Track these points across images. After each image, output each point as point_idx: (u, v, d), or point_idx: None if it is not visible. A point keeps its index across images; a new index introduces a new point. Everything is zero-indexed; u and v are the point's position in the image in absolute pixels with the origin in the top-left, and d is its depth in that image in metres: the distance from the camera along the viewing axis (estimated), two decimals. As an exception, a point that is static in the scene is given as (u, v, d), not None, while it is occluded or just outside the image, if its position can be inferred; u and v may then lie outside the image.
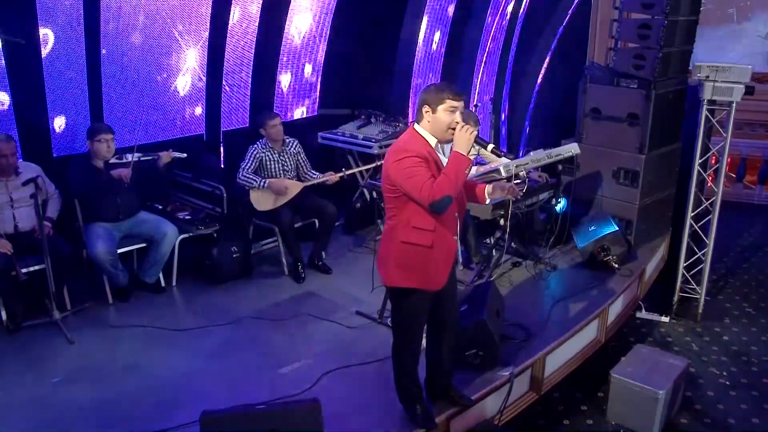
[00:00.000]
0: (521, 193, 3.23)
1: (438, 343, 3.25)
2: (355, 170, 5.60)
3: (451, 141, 2.86)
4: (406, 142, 2.87)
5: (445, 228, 2.92)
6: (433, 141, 2.88)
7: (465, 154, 2.80)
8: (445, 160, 2.91)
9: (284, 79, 6.02)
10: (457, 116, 2.83)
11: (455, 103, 2.82)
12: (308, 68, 6.19)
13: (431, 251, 2.90)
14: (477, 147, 2.88)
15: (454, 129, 2.83)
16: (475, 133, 2.81)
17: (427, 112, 2.85)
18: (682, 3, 5.00)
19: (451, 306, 3.21)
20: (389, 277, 2.99)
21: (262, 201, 4.94)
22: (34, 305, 4.17)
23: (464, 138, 2.79)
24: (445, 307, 3.16)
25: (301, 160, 5.23)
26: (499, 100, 8.31)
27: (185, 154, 4.70)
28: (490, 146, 3.02)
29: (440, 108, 2.82)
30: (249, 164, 4.96)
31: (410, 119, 6.90)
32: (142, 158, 4.49)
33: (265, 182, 4.90)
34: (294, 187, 5.03)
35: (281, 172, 5.09)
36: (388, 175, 2.87)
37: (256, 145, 5.04)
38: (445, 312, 3.17)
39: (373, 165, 5.44)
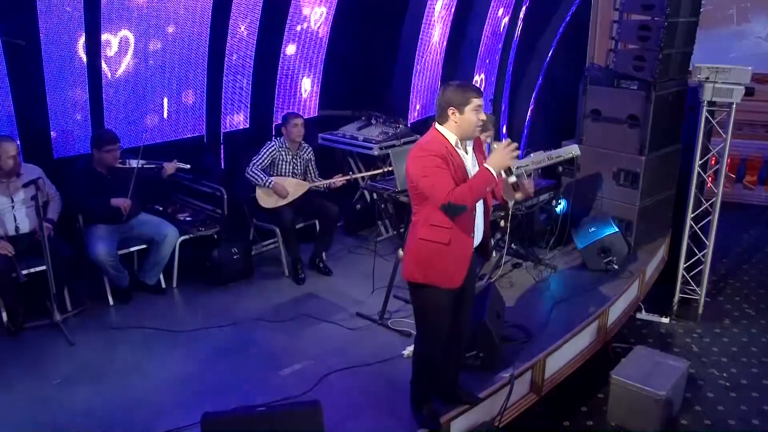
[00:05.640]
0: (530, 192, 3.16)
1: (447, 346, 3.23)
2: (361, 175, 5.61)
3: (474, 137, 2.93)
4: (427, 141, 2.89)
5: (462, 226, 2.90)
6: (453, 139, 2.89)
7: (495, 172, 2.78)
8: (465, 156, 2.92)
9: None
10: (482, 114, 2.87)
11: (480, 102, 2.85)
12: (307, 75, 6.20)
13: (448, 248, 2.89)
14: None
15: (480, 127, 2.87)
16: (516, 153, 2.80)
17: (453, 113, 2.84)
18: (683, 4, 5.00)
19: (466, 313, 3.21)
20: (407, 271, 3.00)
21: (266, 198, 4.96)
22: (35, 307, 4.17)
23: (502, 156, 2.79)
24: (460, 314, 3.15)
25: (311, 167, 5.25)
26: (499, 101, 8.30)
27: (189, 166, 4.72)
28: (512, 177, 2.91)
29: (467, 108, 2.83)
30: (261, 160, 4.98)
31: (410, 120, 6.91)
32: (146, 165, 4.49)
33: (270, 182, 4.91)
34: (299, 188, 5.05)
35: (290, 173, 5.10)
36: (407, 171, 2.90)
37: (273, 143, 5.06)
38: (459, 319, 3.16)
39: (380, 171, 5.28)
